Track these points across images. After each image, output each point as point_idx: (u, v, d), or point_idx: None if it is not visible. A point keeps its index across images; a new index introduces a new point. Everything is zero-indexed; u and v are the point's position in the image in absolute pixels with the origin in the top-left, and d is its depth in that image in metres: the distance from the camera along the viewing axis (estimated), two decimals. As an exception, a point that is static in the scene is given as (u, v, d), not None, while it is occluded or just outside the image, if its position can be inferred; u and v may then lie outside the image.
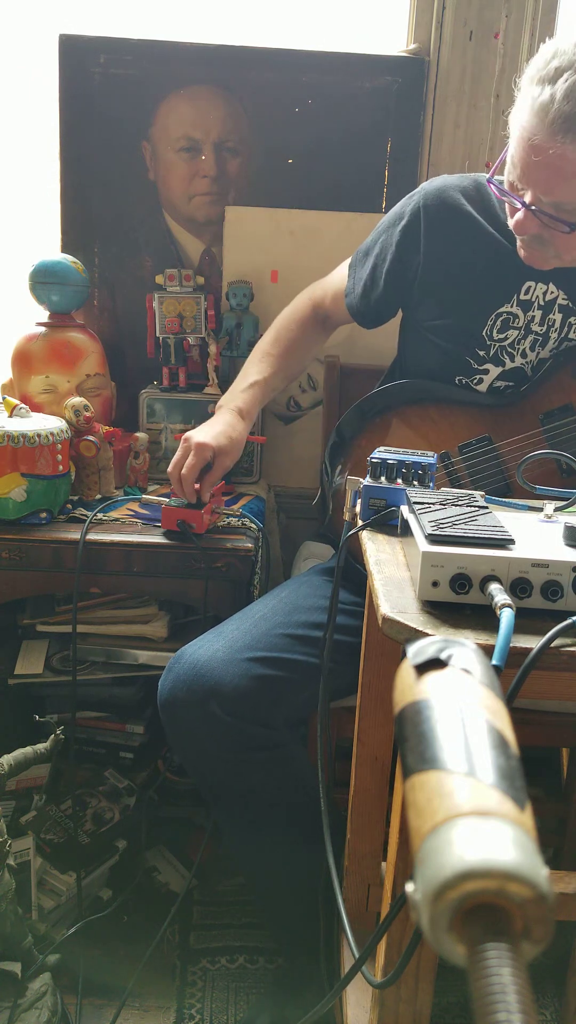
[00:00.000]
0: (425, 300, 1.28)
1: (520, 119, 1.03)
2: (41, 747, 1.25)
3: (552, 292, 1.21)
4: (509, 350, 1.24)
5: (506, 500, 0.95)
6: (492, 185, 1.12)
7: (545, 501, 0.88)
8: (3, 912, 1.17)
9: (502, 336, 1.24)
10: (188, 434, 1.34)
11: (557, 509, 0.88)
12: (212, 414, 1.66)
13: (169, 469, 1.34)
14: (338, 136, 1.69)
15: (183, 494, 1.34)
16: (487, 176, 1.13)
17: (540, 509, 0.88)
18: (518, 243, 1.15)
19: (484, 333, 1.24)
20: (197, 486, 1.33)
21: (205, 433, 1.33)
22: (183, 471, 1.31)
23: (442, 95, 1.67)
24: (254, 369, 1.43)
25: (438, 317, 1.26)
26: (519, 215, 1.08)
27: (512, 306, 1.22)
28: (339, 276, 1.44)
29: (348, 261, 1.43)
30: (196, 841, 1.59)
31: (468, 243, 1.23)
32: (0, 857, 1.16)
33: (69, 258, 1.62)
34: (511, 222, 1.11)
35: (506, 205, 1.14)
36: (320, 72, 1.66)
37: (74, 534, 1.37)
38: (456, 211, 1.24)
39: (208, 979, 1.38)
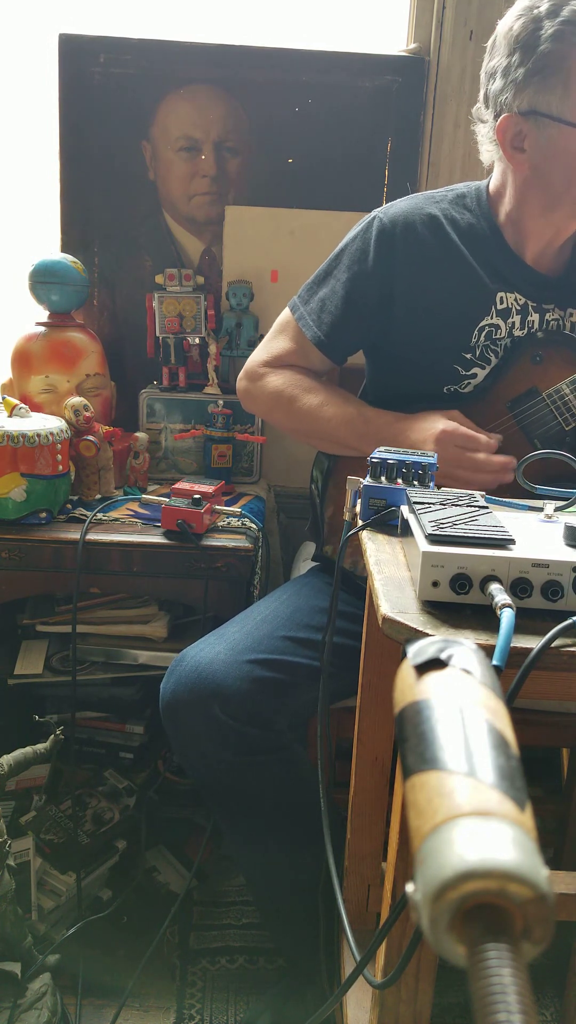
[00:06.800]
0: (406, 325, 1.25)
1: None
2: (41, 747, 1.25)
3: (520, 299, 1.22)
4: (493, 348, 1.23)
5: (506, 500, 0.95)
6: None
7: (545, 501, 0.88)
8: (3, 912, 1.17)
9: (487, 341, 1.23)
10: (437, 435, 1.12)
11: (557, 509, 0.88)
12: (212, 414, 1.67)
13: (480, 466, 1.11)
14: (338, 136, 1.69)
15: (499, 467, 1.11)
16: None
17: (540, 509, 0.88)
18: None
19: (470, 344, 1.23)
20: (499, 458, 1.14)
21: (440, 423, 1.14)
22: (482, 455, 1.11)
23: (442, 95, 1.66)
24: (338, 401, 1.26)
25: (422, 339, 1.24)
26: None
27: (492, 317, 1.22)
28: (285, 341, 1.31)
29: (275, 331, 1.33)
30: (196, 841, 1.59)
31: (439, 260, 1.21)
32: (0, 857, 1.16)
33: (69, 258, 1.62)
34: None
35: None
36: (320, 72, 1.66)
37: (74, 534, 1.37)
38: (419, 231, 1.22)
39: (208, 979, 1.38)
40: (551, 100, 1.07)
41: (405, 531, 0.81)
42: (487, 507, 0.81)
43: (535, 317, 1.23)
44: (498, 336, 1.23)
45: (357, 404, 1.25)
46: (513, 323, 1.23)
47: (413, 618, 0.65)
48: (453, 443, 1.11)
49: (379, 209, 1.27)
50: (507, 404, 1.22)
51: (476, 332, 1.22)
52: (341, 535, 0.96)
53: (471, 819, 0.34)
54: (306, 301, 1.30)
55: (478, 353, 1.23)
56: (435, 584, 0.67)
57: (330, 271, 1.29)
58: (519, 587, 0.67)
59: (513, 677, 0.60)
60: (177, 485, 1.45)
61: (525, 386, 1.22)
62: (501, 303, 1.22)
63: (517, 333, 1.23)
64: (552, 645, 0.62)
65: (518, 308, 1.23)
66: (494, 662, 0.59)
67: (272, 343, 1.33)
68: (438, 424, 1.13)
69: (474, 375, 1.24)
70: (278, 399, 1.29)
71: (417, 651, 0.46)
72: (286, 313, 1.33)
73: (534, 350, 1.22)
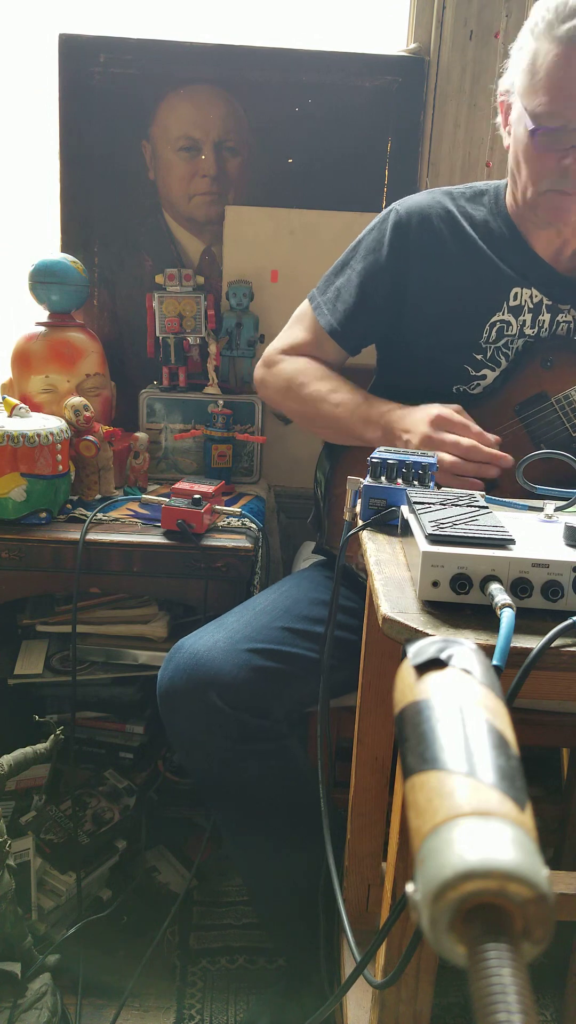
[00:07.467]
0: (418, 318, 1.26)
1: (547, 63, 1.04)
2: (41, 747, 1.25)
3: (536, 295, 1.22)
4: (504, 351, 1.24)
5: (506, 500, 0.95)
6: (540, 132, 1.07)
7: (545, 501, 0.88)
8: (3, 912, 1.17)
9: (498, 342, 1.24)
10: (425, 431, 1.10)
11: (557, 509, 0.88)
12: (212, 414, 1.67)
13: (452, 455, 1.07)
14: (338, 135, 1.69)
15: (486, 458, 1.07)
16: (531, 127, 1.07)
17: (540, 509, 0.88)
18: (545, 200, 1.12)
19: (481, 342, 1.24)
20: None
21: (436, 408, 1.13)
22: (467, 442, 1.07)
23: (442, 95, 1.66)
24: (339, 389, 1.26)
25: (433, 332, 1.25)
26: (570, 158, 1.07)
27: (504, 313, 1.23)
28: (300, 331, 1.33)
29: (293, 321, 1.35)
30: (196, 841, 1.59)
31: (453, 254, 1.23)
32: (0, 857, 1.16)
33: (69, 258, 1.62)
34: (558, 170, 1.08)
35: (536, 168, 1.11)
36: (320, 72, 1.66)
37: (74, 534, 1.37)
38: (435, 225, 1.23)
39: (208, 979, 1.38)
40: (516, 78, 1.10)
41: (405, 531, 0.81)
42: (487, 507, 0.81)
43: (546, 317, 1.23)
44: (509, 333, 1.23)
45: (365, 394, 1.26)
46: (524, 321, 1.23)
47: (413, 618, 0.65)
48: (447, 427, 1.10)
49: (397, 202, 1.29)
50: (515, 407, 1.22)
51: (487, 328, 1.23)
52: (342, 533, 0.96)
53: (471, 819, 0.34)
54: (323, 291, 1.32)
55: (489, 355, 1.24)
56: (435, 584, 0.67)
57: (347, 262, 1.31)
58: (519, 587, 0.67)
59: (513, 677, 0.60)
60: (177, 485, 1.45)
61: (534, 390, 1.22)
62: (515, 299, 1.22)
63: (527, 331, 1.23)
64: (552, 645, 0.62)
65: (531, 306, 1.23)
66: (494, 662, 0.59)
67: (289, 332, 1.35)
68: (434, 408, 1.13)
69: (483, 376, 1.24)
70: (289, 384, 1.30)
71: (417, 651, 0.46)
72: (304, 303, 1.36)
73: (545, 354, 1.22)
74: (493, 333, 1.23)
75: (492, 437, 1.12)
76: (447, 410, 1.12)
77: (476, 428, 1.11)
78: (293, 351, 1.33)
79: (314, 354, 1.32)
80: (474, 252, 1.22)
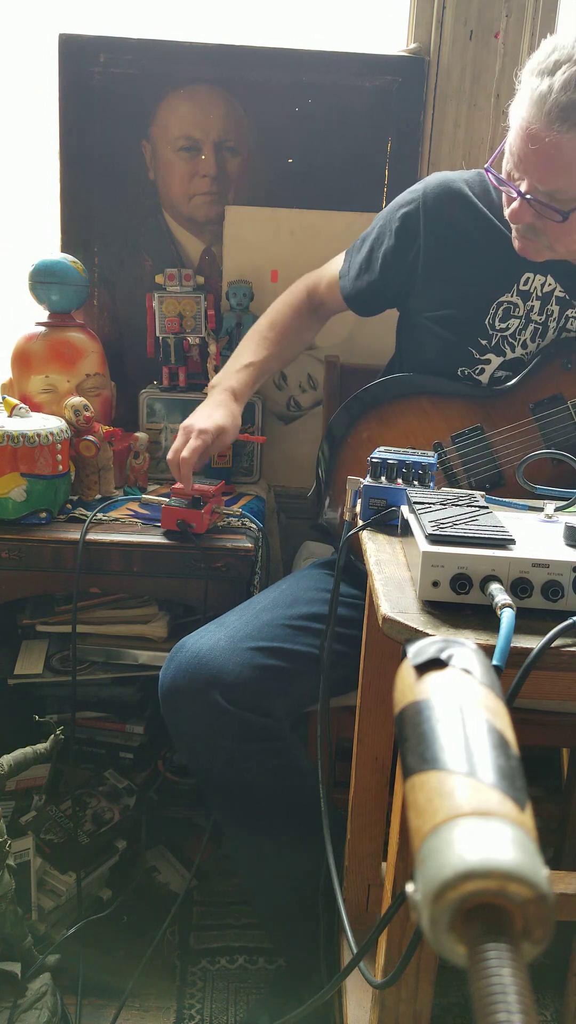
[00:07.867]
0: (427, 288, 1.29)
1: (519, 110, 1.06)
2: (41, 747, 1.25)
3: (550, 284, 1.23)
4: (511, 340, 1.24)
5: (506, 500, 0.95)
6: (490, 174, 1.13)
7: (545, 501, 0.88)
8: (3, 912, 1.17)
9: (504, 326, 1.24)
10: (186, 422, 1.34)
11: (557, 509, 0.88)
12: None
13: (169, 456, 1.33)
14: (338, 136, 1.69)
15: (180, 478, 1.33)
16: (486, 165, 1.14)
17: (540, 509, 0.88)
18: (513, 234, 1.17)
19: (486, 322, 1.25)
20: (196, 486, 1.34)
21: (202, 418, 1.33)
22: (184, 454, 1.29)
23: (442, 95, 1.66)
24: (248, 351, 1.43)
25: (441, 306, 1.27)
26: (515, 204, 1.10)
27: (512, 295, 1.24)
28: (335, 264, 1.46)
29: (345, 250, 1.45)
30: (196, 841, 1.59)
31: (470, 229, 1.25)
32: (0, 857, 1.16)
33: (69, 258, 1.61)
34: (507, 211, 1.13)
35: (503, 195, 1.17)
36: (320, 72, 1.65)
37: (74, 534, 1.37)
38: (457, 198, 1.26)
39: (208, 979, 1.38)
40: (512, 107, 1.11)
41: (405, 531, 0.81)
42: (487, 507, 0.81)
43: (555, 308, 1.23)
44: (516, 314, 1.24)
45: (247, 365, 1.40)
46: (532, 307, 1.24)
47: (413, 618, 0.65)
48: (185, 436, 1.31)
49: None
50: (530, 406, 1.22)
51: (494, 306, 1.24)
52: (343, 504, 0.98)
53: (471, 819, 0.34)
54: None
55: (494, 342, 1.25)
56: (435, 584, 0.67)
57: (379, 218, 1.39)
58: (519, 587, 0.67)
59: (513, 677, 0.60)
60: (177, 485, 1.45)
61: (551, 391, 1.22)
62: (525, 284, 1.23)
63: (535, 317, 1.24)
64: (552, 645, 0.62)
65: (540, 294, 1.23)
66: (494, 662, 0.59)
67: (329, 263, 1.47)
68: (196, 416, 1.33)
69: (488, 360, 1.25)
70: (263, 315, 1.49)
71: (417, 651, 0.46)
72: None
73: (566, 356, 1.22)
74: (500, 312, 1.24)
75: (192, 461, 1.29)
76: (196, 425, 1.31)
77: (185, 450, 1.29)
78: (314, 278, 1.48)
79: (325, 293, 1.45)
80: (491, 232, 1.24)
